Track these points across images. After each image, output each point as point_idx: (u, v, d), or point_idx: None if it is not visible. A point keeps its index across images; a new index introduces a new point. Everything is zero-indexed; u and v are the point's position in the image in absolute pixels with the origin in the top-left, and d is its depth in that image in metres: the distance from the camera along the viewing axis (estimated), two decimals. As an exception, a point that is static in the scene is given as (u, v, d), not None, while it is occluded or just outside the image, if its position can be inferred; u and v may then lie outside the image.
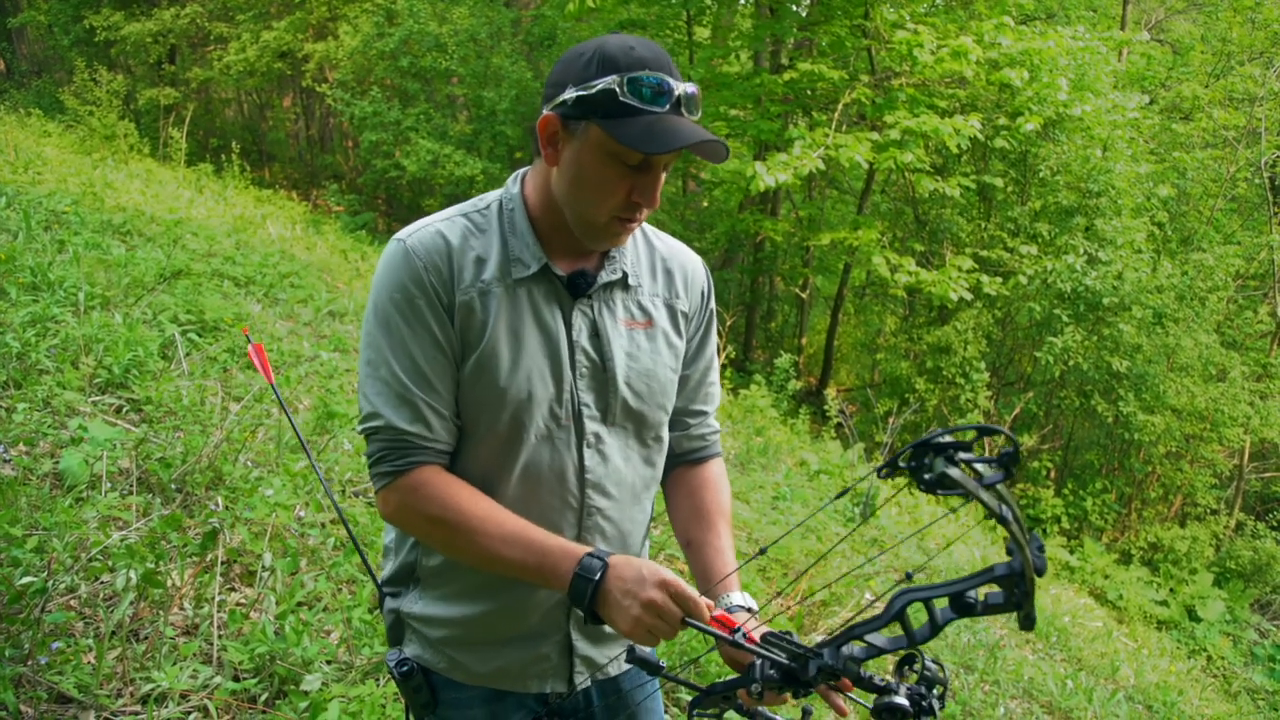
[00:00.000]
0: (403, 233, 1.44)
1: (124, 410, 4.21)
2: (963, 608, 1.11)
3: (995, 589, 1.10)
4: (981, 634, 5.12)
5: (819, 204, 15.28)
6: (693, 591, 1.28)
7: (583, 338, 1.46)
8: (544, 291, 1.45)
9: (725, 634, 1.32)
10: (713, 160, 1.38)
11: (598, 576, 1.29)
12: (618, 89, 1.30)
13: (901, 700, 1.18)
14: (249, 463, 3.99)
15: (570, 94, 1.33)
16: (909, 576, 1.18)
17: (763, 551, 1.39)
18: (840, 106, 10.32)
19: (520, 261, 1.43)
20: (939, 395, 11.21)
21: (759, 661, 1.30)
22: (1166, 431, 10.74)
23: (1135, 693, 5.58)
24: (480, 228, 1.45)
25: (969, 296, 10.08)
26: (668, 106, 1.32)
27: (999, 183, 11.54)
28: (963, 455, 1.03)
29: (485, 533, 1.35)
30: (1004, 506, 1.00)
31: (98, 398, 4.19)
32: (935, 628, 1.14)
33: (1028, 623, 1.08)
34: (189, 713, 2.57)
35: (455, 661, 1.55)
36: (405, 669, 1.56)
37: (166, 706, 2.54)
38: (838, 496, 1.14)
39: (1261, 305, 12.69)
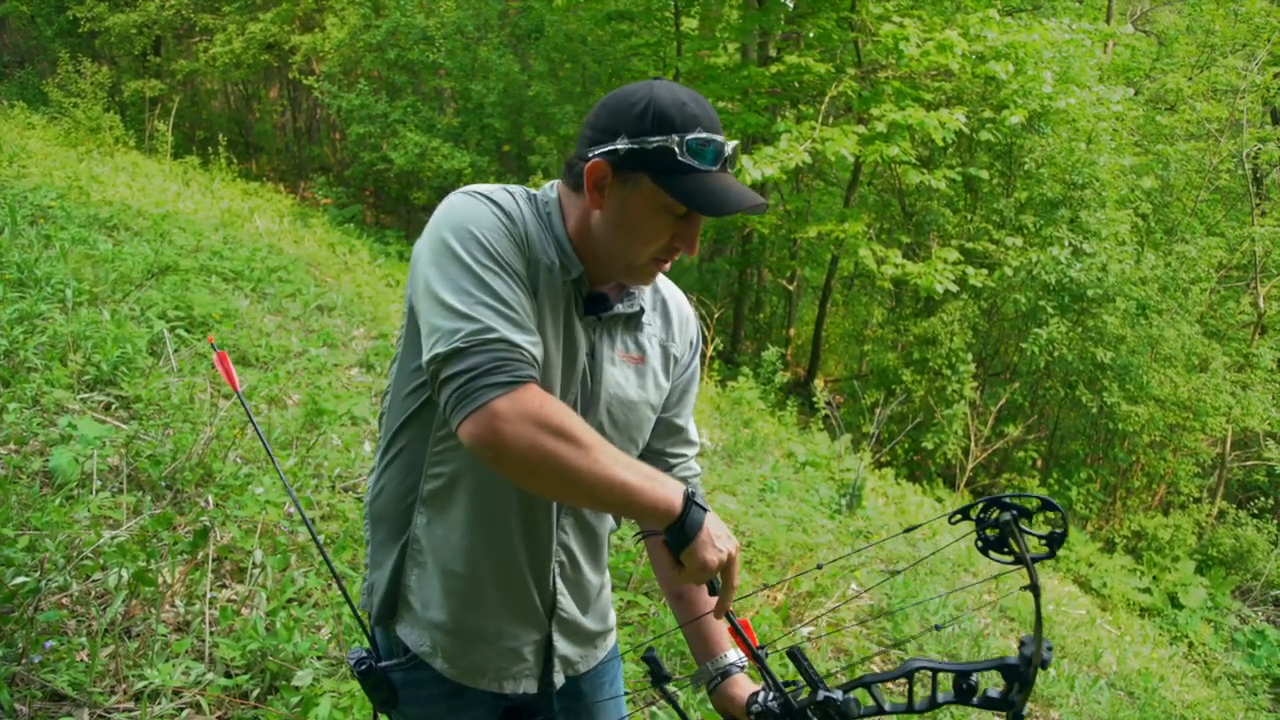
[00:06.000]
0: (470, 189, 1.43)
1: (113, 407, 4.22)
2: (962, 692, 1.19)
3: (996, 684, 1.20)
4: (966, 624, 5.19)
5: (806, 196, 15.31)
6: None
7: (583, 354, 1.51)
8: (571, 298, 1.48)
9: (753, 643, 1.40)
10: (754, 213, 1.44)
11: (707, 510, 1.32)
12: (677, 149, 1.35)
13: None
14: (238, 459, 4.02)
15: (623, 144, 1.36)
16: (937, 627, 1.34)
17: (819, 568, 1.46)
18: (827, 99, 10.35)
19: (563, 264, 1.46)
20: (925, 386, 11.29)
21: (763, 690, 1.35)
22: (1150, 421, 10.85)
23: (1117, 679, 5.66)
24: (521, 208, 1.46)
25: (955, 288, 10.14)
26: (719, 166, 1.38)
27: (984, 175, 11.60)
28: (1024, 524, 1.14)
29: (605, 450, 1.29)
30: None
31: (86, 395, 4.21)
32: (934, 703, 1.21)
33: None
34: (182, 709, 2.60)
35: (439, 647, 1.55)
36: (363, 668, 1.58)
37: (160, 703, 2.58)
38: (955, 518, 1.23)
39: (1244, 296, 12.80)
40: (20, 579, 2.70)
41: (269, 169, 19.20)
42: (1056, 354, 10.75)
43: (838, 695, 1.25)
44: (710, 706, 1.66)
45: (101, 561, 2.95)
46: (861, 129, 9.76)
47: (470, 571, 1.51)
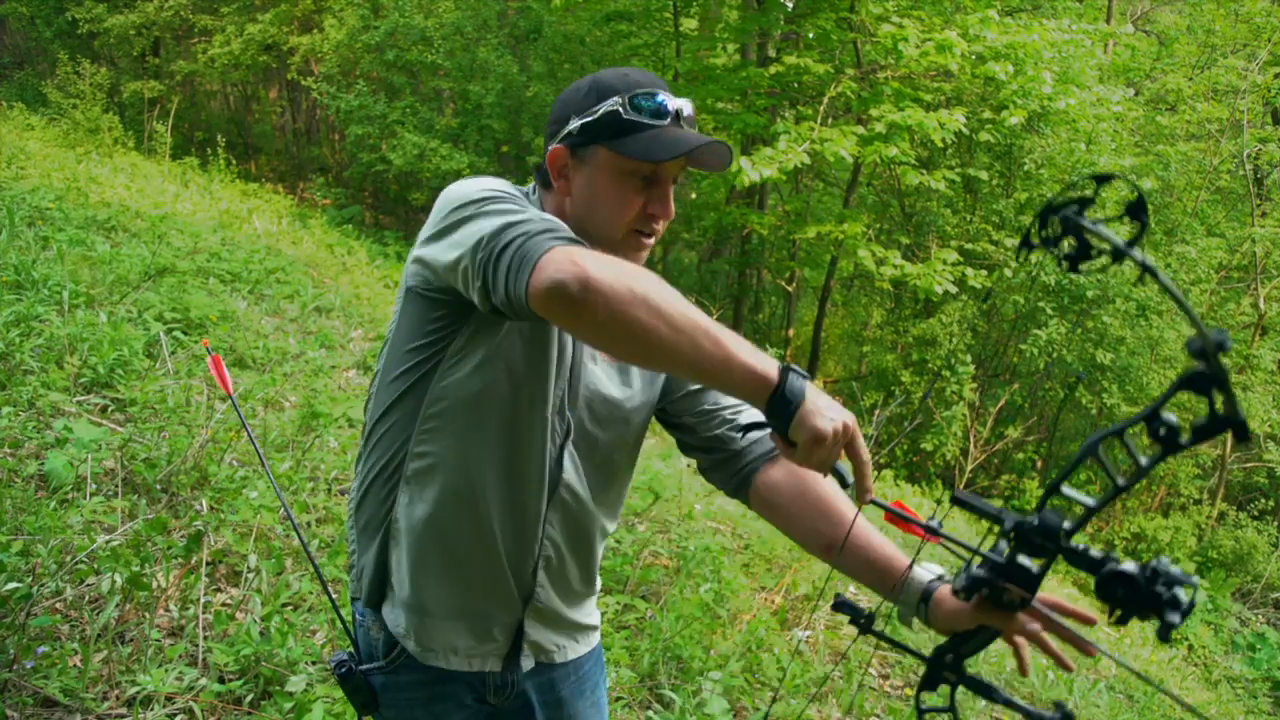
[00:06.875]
0: (478, 178, 1.43)
1: (109, 410, 4.21)
2: (1166, 440, 0.92)
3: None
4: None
5: (805, 197, 15.31)
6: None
7: (569, 348, 1.51)
8: None
9: (918, 519, 1.23)
10: (717, 167, 1.42)
11: (807, 379, 1.18)
12: (621, 109, 1.37)
13: (1130, 568, 0.99)
14: (234, 463, 4.00)
15: (575, 124, 1.40)
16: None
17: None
18: (826, 100, 10.34)
19: None
20: (924, 387, 11.28)
21: (969, 565, 1.17)
22: (1150, 422, 10.84)
23: (1116, 682, 5.64)
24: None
25: (954, 289, 10.13)
26: (668, 120, 1.39)
27: (984, 176, 11.60)
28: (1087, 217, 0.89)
29: (689, 304, 1.16)
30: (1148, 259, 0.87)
31: (82, 398, 4.19)
32: (1140, 471, 0.96)
33: (1242, 432, 0.87)
34: (174, 715, 2.59)
35: (412, 627, 1.54)
36: (343, 670, 1.58)
37: (152, 709, 2.56)
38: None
39: (1244, 297, 12.80)
40: (13, 585, 2.69)
41: (268, 169, 19.20)
42: (1055, 355, 10.75)
43: (1032, 519, 1.05)
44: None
45: (95, 566, 2.94)
46: (860, 130, 9.75)
47: (447, 553, 1.50)
